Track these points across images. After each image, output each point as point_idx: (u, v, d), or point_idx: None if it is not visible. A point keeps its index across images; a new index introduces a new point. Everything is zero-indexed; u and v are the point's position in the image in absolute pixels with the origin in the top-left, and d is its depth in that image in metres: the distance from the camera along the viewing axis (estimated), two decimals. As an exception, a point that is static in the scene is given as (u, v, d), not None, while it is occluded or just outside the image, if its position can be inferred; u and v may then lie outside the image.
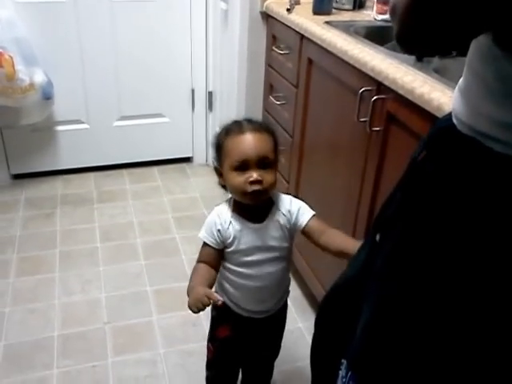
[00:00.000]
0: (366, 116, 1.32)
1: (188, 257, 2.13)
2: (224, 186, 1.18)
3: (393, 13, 0.60)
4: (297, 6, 1.82)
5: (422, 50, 0.65)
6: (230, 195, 1.19)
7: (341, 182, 1.57)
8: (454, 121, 0.68)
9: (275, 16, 1.88)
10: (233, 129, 1.12)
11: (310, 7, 1.78)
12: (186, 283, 1.93)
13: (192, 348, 1.70)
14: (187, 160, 2.85)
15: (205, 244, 1.18)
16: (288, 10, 1.76)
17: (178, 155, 2.82)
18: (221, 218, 1.16)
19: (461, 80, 0.69)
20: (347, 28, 1.58)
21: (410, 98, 1.14)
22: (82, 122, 2.59)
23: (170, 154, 2.79)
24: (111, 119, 2.63)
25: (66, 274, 2.01)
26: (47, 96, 2.31)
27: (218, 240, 1.16)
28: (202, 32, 2.53)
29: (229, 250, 1.17)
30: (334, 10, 1.81)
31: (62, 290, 1.93)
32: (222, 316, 1.27)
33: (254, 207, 1.15)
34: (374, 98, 1.27)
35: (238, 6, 2.00)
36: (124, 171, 2.72)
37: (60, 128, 2.57)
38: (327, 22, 1.62)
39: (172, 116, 2.71)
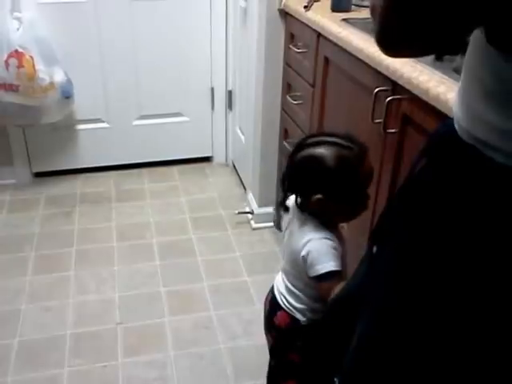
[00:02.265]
0: (381, 117, 1.27)
1: (203, 258, 2.11)
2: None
3: (373, 13, 0.57)
4: (315, 4, 1.77)
5: (404, 51, 0.61)
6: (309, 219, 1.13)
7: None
8: (456, 126, 0.63)
9: (293, 13, 1.84)
10: (357, 153, 1.07)
11: (328, 4, 1.73)
12: (201, 285, 1.97)
13: (203, 351, 1.68)
14: (207, 159, 2.84)
15: (334, 273, 1.08)
16: (305, 7, 1.72)
17: (198, 155, 2.80)
18: (330, 239, 1.10)
19: (460, 82, 0.64)
20: (365, 26, 1.52)
21: (425, 98, 1.09)
22: (102, 121, 2.60)
23: (189, 153, 2.78)
24: (131, 118, 2.63)
25: (81, 272, 2.02)
26: (67, 95, 2.32)
27: (340, 258, 1.11)
28: (222, 30, 2.51)
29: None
30: (353, 7, 1.76)
31: (76, 289, 1.94)
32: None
33: None
34: (389, 98, 1.22)
35: (257, 4, 1.97)
36: (143, 170, 2.73)
37: (80, 127, 2.58)
38: (344, 20, 1.58)
39: (191, 115, 2.70)
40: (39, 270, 2.03)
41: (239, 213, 2.34)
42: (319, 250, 1.08)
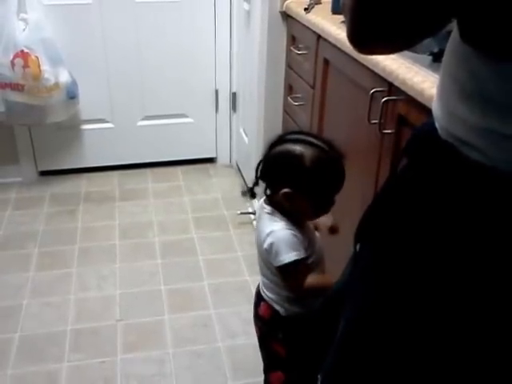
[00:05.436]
0: (377, 118, 1.28)
1: (204, 257, 2.13)
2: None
3: (344, 10, 0.58)
4: (316, 6, 1.79)
5: (377, 47, 0.62)
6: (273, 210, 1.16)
7: (355, 186, 1.52)
8: (436, 124, 0.64)
9: (294, 16, 1.85)
10: (334, 159, 1.12)
11: (329, 7, 1.74)
12: (201, 283, 1.99)
13: (201, 349, 1.69)
14: (211, 160, 2.85)
15: (298, 262, 1.11)
16: (306, 9, 1.73)
17: (202, 156, 2.82)
18: (292, 230, 1.13)
19: (438, 82, 0.65)
20: (365, 28, 1.54)
21: (419, 99, 1.09)
22: (107, 122, 2.63)
23: (193, 154, 2.80)
24: (135, 119, 2.66)
25: (83, 269, 2.04)
26: (71, 95, 2.36)
27: (304, 248, 1.14)
28: (226, 32, 2.53)
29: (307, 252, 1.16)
30: (354, 10, 1.77)
31: (78, 286, 1.96)
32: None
33: None
34: (385, 99, 1.23)
35: (259, 6, 1.98)
36: (147, 170, 2.75)
37: (85, 127, 2.62)
38: (344, 22, 1.59)
39: (196, 116, 2.72)
40: (42, 267, 2.05)
41: (242, 213, 2.35)
42: (281, 240, 1.11)
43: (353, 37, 0.58)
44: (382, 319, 0.68)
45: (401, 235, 0.66)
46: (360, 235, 0.74)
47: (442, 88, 0.63)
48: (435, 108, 0.65)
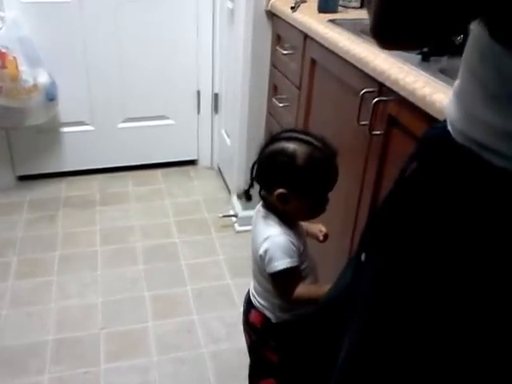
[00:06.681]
0: (366, 119, 1.26)
1: (187, 261, 2.09)
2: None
3: (368, 3, 0.55)
4: (302, 5, 1.77)
5: (403, 42, 0.58)
6: (268, 213, 1.14)
7: (341, 188, 1.50)
8: (449, 128, 0.60)
9: (280, 15, 1.82)
10: (327, 156, 1.10)
11: (315, 5, 1.72)
12: (184, 288, 1.95)
13: (185, 356, 1.65)
14: (192, 163, 2.81)
15: (291, 269, 1.09)
16: (292, 8, 1.71)
17: (183, 158, 2.78)
18: (289, 235, 1.11)
19: (456, 82, 0.62)
20: (353, 26, 1.52)
21: (411, 99, 1.08)
22: (87, 124, 2.57)
23: (174, 156, 2.75)
24: (116, 121, 2.60)
25: (64, 277, 1.98)
26: (51, 97, 2.29)
27: (299, 254, 1.12)
28: (209, 32, 2.49)
29: (302, 258, 1.14)
30: (340, 8, 1.75)
31: (59, 294, 1.90)
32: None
33: None
34: (375, 99, 1.21)
35: (244, 5, 1.95)
36: (128, 174, 2.68)
37: (65, 130, 2.54)
38: (331, 21, 1.57)
39: (177, 118, 2.67)
40: (21, 275, 1.98)
41: (223, 216, 2.32)
42: (276, 246, 1.08)
43: (376, 30, 0.55)
44: (386, 341, 0.65)
45: (413, 246, 0.62)
46: (366, 244, 0.70)
47: (461, 88, 0.60)
48: (450, 109, 0.61)
